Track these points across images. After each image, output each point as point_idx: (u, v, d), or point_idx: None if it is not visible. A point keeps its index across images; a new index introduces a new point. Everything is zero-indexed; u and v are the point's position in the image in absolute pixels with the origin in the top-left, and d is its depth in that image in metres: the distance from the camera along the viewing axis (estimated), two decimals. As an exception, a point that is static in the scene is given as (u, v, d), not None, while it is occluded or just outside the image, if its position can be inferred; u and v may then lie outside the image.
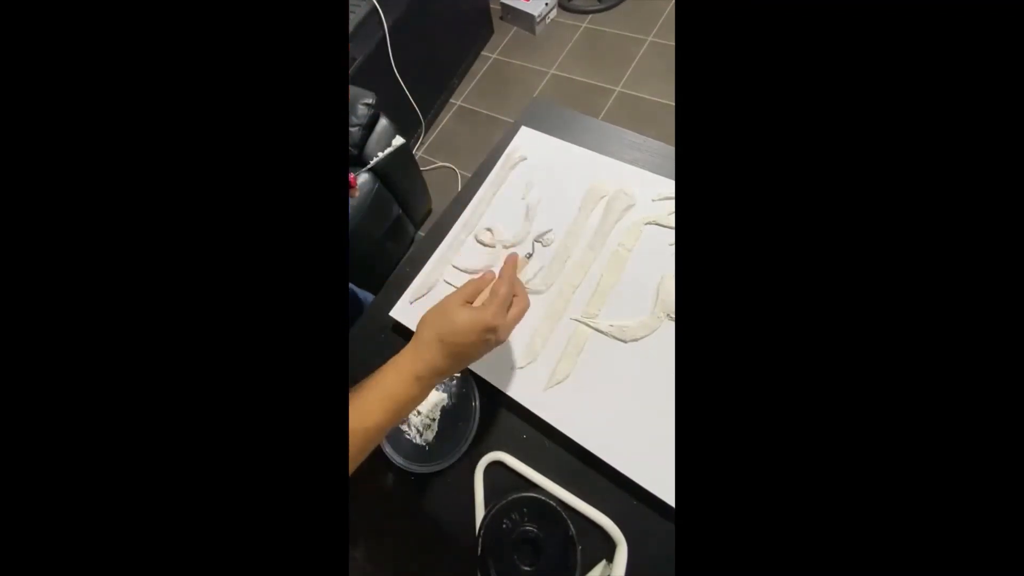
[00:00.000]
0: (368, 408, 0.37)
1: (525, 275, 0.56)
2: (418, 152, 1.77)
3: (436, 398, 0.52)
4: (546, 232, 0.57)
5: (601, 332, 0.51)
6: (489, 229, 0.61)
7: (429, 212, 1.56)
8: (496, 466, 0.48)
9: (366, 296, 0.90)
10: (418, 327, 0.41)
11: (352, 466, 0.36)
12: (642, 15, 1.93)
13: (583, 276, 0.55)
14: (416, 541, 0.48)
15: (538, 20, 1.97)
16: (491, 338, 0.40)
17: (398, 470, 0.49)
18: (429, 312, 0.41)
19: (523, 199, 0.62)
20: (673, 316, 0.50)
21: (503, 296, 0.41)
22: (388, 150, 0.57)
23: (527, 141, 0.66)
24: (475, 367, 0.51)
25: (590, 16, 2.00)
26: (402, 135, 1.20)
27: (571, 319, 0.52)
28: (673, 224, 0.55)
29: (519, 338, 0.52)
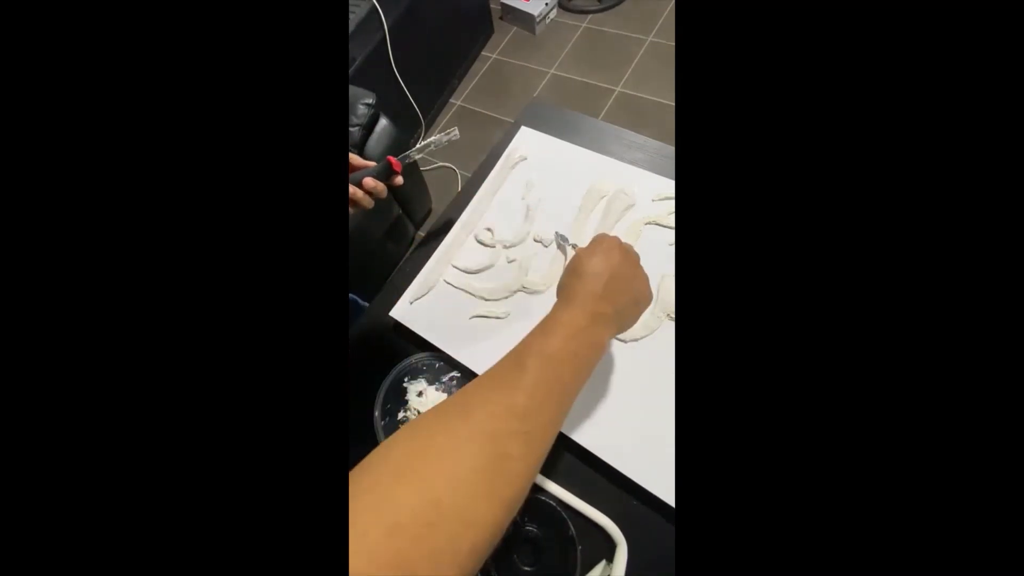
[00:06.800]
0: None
1: (526, 276, 0.56)
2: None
3: (436, 398, 0.52)
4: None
5: (601, 332, 0.51)
6: (489, 229, 0.61)
7: (429, 212, 1.56)
8: (496, 466, 0.48)
9: (357, 302, 0.88)
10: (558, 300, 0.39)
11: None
12: (642, 15, 1.94)
13: (583, 276, 0.55)
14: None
15: (538, 20, 1.97)
16: (615, 246, 0.39)
17: (398, 470, 0.49)
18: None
19: (523, 199, 0.62)
20: (673, 316, 0.50)
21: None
22: (445, 137, 0.56)
23: (527, 141, 0.66)
24: (475, 367, 0.51)
25: (590, 16, 2.01)
26: (402, 135, 1.20)
27: (571, 319, 0.52)
28: (673, 224, 0.55)
29: (519, 337, 0.52)
